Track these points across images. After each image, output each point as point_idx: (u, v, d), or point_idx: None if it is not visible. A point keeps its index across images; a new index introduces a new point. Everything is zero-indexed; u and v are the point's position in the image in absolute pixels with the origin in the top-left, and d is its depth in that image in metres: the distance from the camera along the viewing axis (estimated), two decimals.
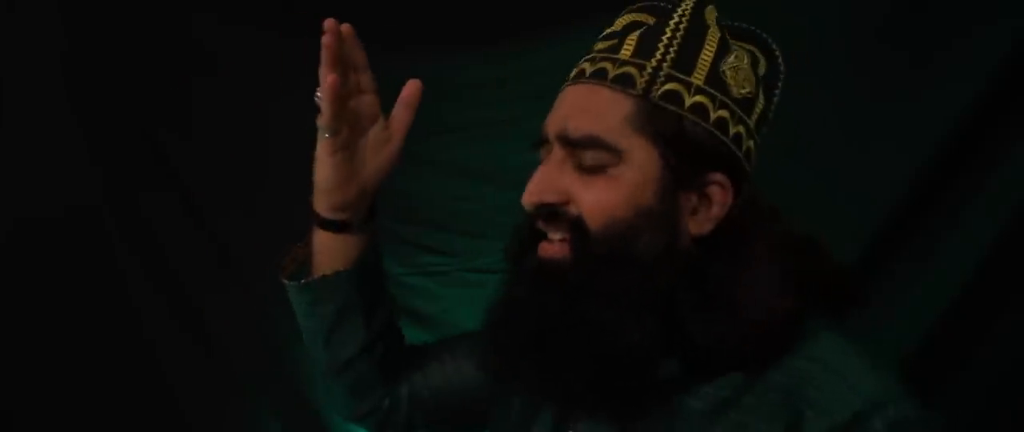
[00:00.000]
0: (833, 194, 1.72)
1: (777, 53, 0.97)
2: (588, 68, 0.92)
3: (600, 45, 0.94)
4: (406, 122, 1.06)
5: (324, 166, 1.01)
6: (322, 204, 1.04)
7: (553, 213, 0.89)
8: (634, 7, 0.96)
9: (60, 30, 1.85)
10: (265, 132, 1.91)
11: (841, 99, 1.71)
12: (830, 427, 0.81)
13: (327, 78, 0.93)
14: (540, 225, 0.91)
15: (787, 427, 0.83)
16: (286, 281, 1.09)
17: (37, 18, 1.82)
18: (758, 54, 0.96)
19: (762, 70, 0.96)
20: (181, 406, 1.98)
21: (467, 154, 1.89)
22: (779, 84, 0.97)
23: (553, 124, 0.91)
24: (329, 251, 1.06)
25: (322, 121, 0.97)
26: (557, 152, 0.90)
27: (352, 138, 1.01)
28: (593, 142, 0.87)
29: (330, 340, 1.09)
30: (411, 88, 1.05)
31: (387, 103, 1.93)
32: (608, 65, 0.90)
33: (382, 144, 1.04)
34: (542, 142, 0.93)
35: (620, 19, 0.96)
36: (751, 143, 0.93)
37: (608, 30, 0.96)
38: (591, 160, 0.87)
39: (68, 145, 1.88)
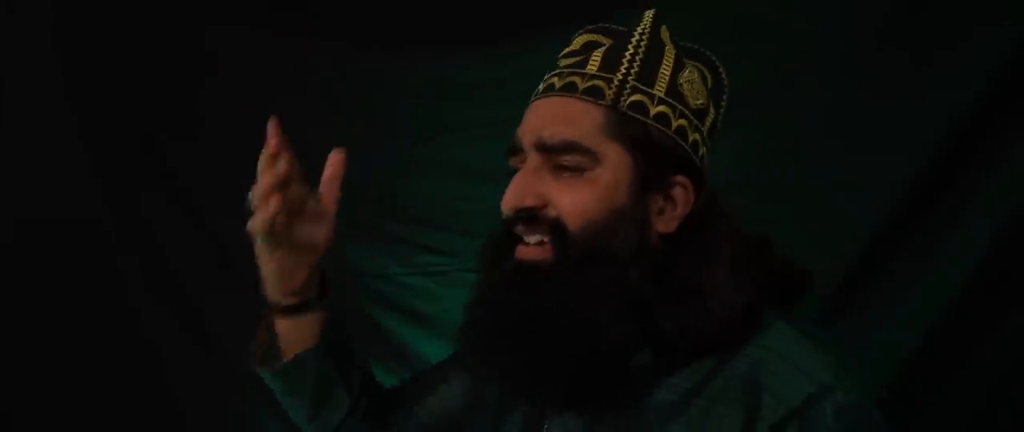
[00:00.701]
0: (833, 194, 1.72)
1: (721, 70, 1.05)
2: (557, 82, 0.98)
3: (565, 62, 1.00)
4: (336, 196, 1.06)
5: (269, 262, 1.04)
6: (275, 294, 1.07)
7: (532, 216, 0.95)
8: (590, 28, 1.04)
9: (59, 31, 1.85)
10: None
11: (842, 100, 1.71)
12: (786, 411, 0.87)
13: (262, 183, 0.97)
14: (519, 229, 0.96)
15: (747, 411, 0.89)
16: (258, 369, 1.12)
17: (36, 19, 1.83)
18: (705, 71, 1.04)
19: (710, 84, 1.03)
20: (181, 406, 1.98)
21: (467, 154, 1.89)
22: (725, 98, 1.05)
23: (528, 133, 0.97)
24: (292, 333, 1.09)
25: (257, 225, 1.00)
26: (533, 159, 0.96)
27: (288, 227, 1.02)
28: (570, 147, 0.94)
29: (316, 415, 1.13)
30: (334, 162, 1.05)
31: (383, 106, 1.94)
32: (577, 79, 0.97)
33: (317, 220, 1.04)
34: (515, 151, 0.98)
35: (577, 39, 1.03)
36: (704, 149, 1.01)
37: (568, 49, 1.02)
38: (568, 162, 0.94)
39: (68, 146, 1.88)
